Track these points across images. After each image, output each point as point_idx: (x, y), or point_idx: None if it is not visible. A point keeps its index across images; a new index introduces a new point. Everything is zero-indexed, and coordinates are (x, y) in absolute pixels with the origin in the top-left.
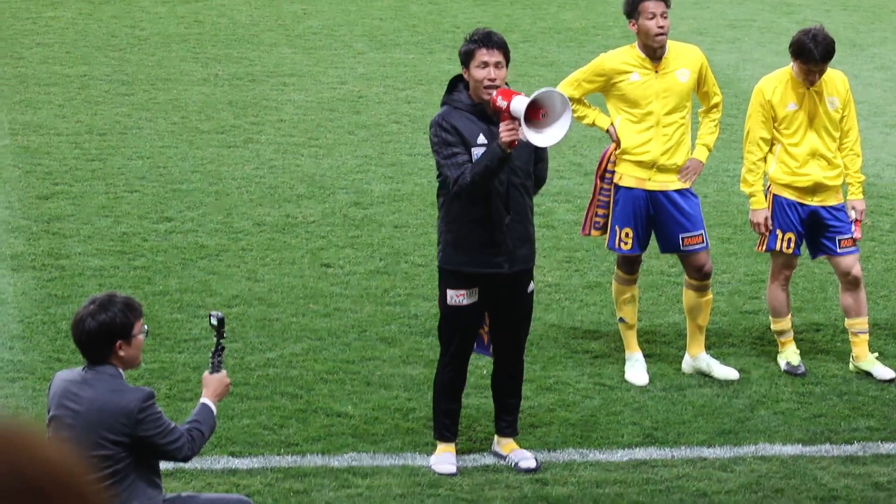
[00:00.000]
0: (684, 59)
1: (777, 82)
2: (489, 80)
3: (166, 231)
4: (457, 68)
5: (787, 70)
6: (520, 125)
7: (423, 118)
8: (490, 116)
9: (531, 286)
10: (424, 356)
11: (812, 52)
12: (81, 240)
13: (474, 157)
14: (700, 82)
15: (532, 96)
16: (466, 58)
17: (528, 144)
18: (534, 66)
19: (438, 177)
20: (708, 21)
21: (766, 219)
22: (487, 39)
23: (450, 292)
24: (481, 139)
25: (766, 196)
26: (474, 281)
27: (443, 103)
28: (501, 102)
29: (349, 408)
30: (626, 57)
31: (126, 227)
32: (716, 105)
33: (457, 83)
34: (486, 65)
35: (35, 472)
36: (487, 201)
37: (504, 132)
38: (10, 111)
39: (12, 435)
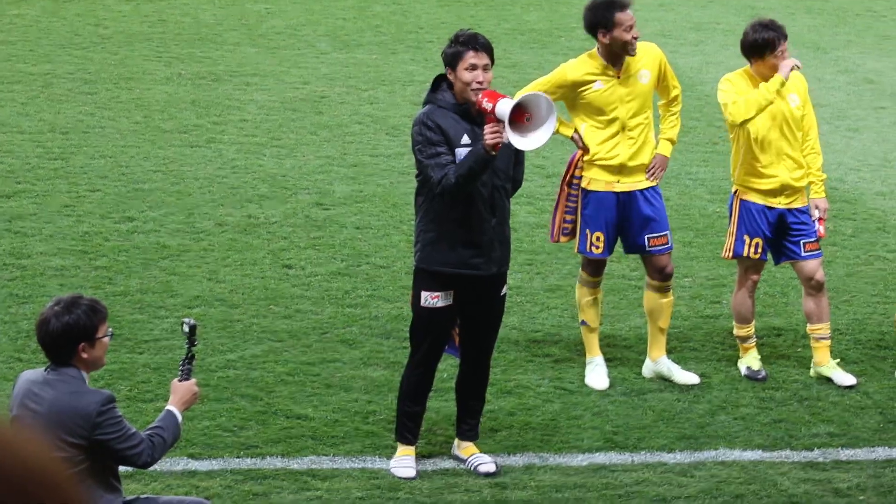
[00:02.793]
0: (644, 60)
1: (739, 78)
2: (477, 82)
3: (128, 231)
4: (420, 69)
5: (746, 70)
6: (504, 128)
7: (385, 119)
8: (474, 117)
9: (504, 289)
10: (385, 358)
11: (773, 41)
12: (43, 239)
13: (458, 158)
14: (660, 78)
15: (517, 99)
16: (453, 59)
17: (509, 147)
18: (497, 67)
19: (418, 176)
20: (672, 23)
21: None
22: (475, 41)
23: (424, 294)
24: (465, 139)
25: (731, 202)
26: (451, 283)
27: (426, 102)
28: (487, 104)
29: (309, 410)
30: (587, 66)
31: (88, 226)
32: (675, 97)
33: (440, 82)
34: (474, 67)
35: (17, 469)
36: (470, 202)
37: (489, 135)
38: None
39: None
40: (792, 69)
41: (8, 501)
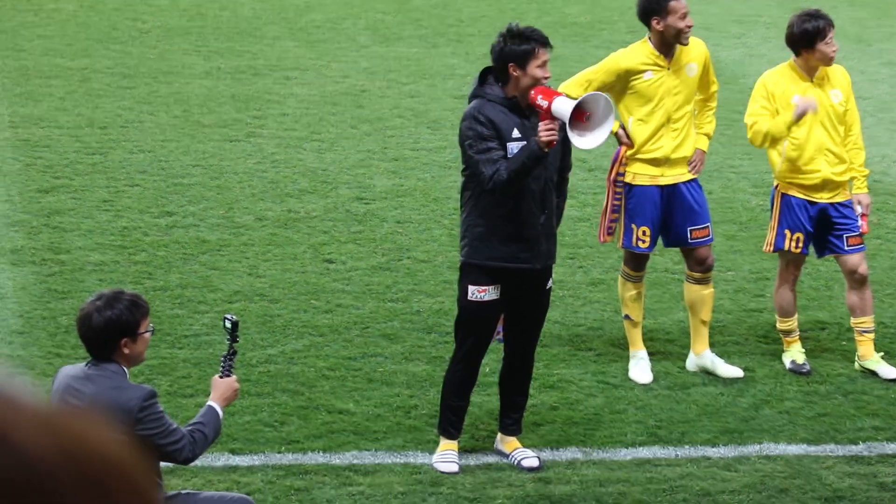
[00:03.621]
0: (692, 53)
1: (780, 76)
2: (545, 78)
3: (167, 226)
4: (461, 62)
5: (790, 64)
6: (563, 126)
7: (426, 112)
8: (523, 110)
9: (550, 282)
10: (427, 353)
11: (822, 29)
12: (82, 234)
13: (509, 152)
14: (703, 73)
15: (579, 99)
16: (524, 56)
17: (560, 142)
18: None
19: (465, 171)
20: (714, 16)
21: (801, 99)
22: (544, 38)
23: (471, 288)
24: (516, 133)
25: (773, 196)
26: (498, 277)
27: (473, 96)
28: (542, 101)
29: (351, 405)
30: (640, 56)
31: (127, 221)
32: (713, 93)
33: (486, 76)
34: (545, 64)
35: (92, 462)
36: (520, 197)
37: (544, 132)
38: (11, 104)
39: (63, 418)
40: (804, 112)
41: (85, 500)
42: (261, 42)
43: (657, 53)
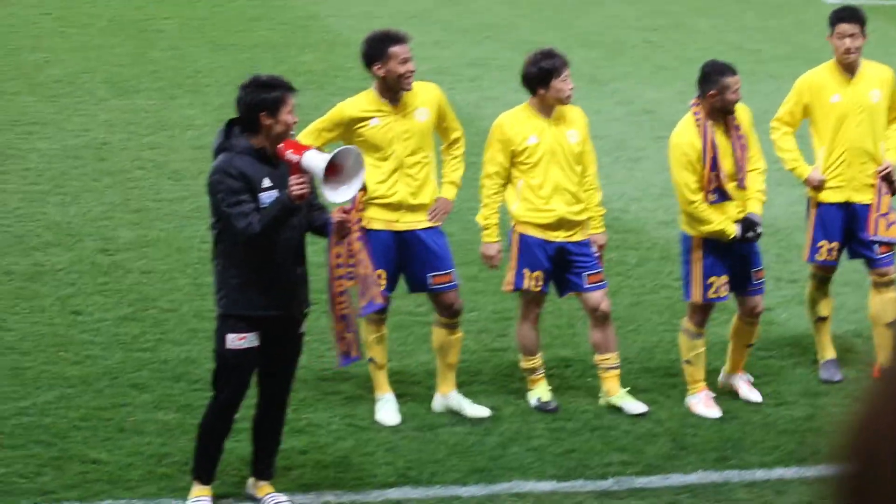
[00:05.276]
0: (422, 98)
1: (516, 118)
2: (294, 122)
3: None
4: (199, 113)
5: (526, 105)
6: (318, 180)
7: (166, 163)
8: (272, 159)
9: (303, 327)
10: (176, 401)
11: (558, 67)
12: None
13: (261, 202)
14: (440, 118)
15: (331, 155)
16: (275, 104)
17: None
18: None
19: (216, 223)
20: (448, 60)
21: (497, 252)
22: (289, 84)
23: (231, 336)
24: (266, 182)
25: (511, 235)
26: (257, 324)
27: (220, 149)
28: (293, 156)
29: (104, 454)
30: (364, 103)
31: None
32: (457, 140)
33: (231, 128)
34: (293, 109)
35: None
36: (273, 246)
37: (295, 186)
38: None
39: None
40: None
41: None
42: (1, 98)
43: (381, 100)
